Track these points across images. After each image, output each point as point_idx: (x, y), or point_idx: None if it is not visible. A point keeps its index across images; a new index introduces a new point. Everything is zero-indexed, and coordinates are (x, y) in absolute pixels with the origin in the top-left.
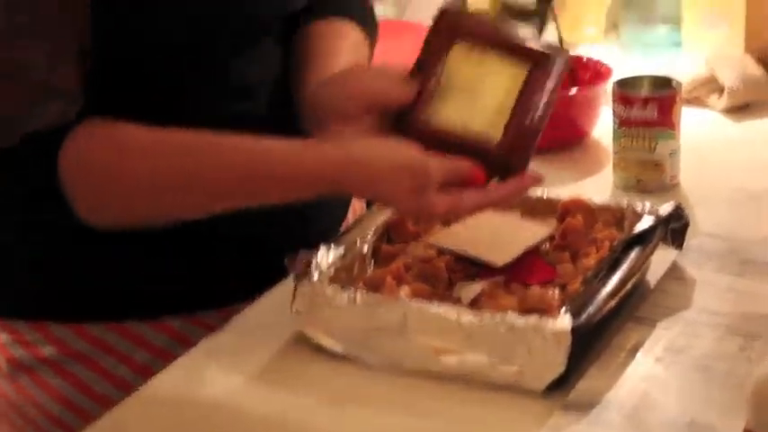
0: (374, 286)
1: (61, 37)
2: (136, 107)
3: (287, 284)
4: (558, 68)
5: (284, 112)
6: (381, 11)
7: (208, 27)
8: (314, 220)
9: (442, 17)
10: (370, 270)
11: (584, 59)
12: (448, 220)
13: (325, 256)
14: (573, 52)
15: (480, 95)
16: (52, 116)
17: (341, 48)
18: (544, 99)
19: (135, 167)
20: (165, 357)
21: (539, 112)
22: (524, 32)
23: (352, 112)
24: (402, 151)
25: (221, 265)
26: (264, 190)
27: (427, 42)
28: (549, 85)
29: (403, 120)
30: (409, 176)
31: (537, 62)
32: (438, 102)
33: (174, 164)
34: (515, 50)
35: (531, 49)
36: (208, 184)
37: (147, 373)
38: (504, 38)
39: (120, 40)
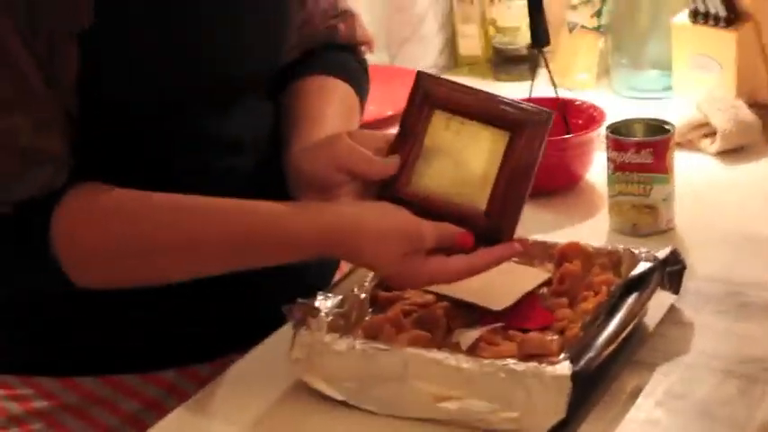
0: (373, 333)
1: (47, 108)
2: (126, 167)
3: (283, 333)
4: (538, 132)
5: (275, 167)
6: (373, 57)
7: (184, 90)
8: (307, 269)
9: (418, 84)
10: (368, 317)
11: (577, 103)
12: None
13: (323, 304)
14: (567, 96)
15: (463, 163)
16: (43, 181)
17: (327, 110)
18: (527, 164)
19: (123, 233)
20: (156, 409)
21: (523, 179)
22: (507, 88)
23: (335, 181)
24: (394, 215)
25: (214, 317)
26: (252, 255)
27: (407, 110)
28: (531, 149)
29: (387, 188)
30: (401, 240)
31: (516, 128)
32: (421, 170)
33: (162, 228)
34: (494, 117)
35: (509, 115)
36: (194, 249)
37: (136, 423)
38: (482, 104)
39: (103, 111)
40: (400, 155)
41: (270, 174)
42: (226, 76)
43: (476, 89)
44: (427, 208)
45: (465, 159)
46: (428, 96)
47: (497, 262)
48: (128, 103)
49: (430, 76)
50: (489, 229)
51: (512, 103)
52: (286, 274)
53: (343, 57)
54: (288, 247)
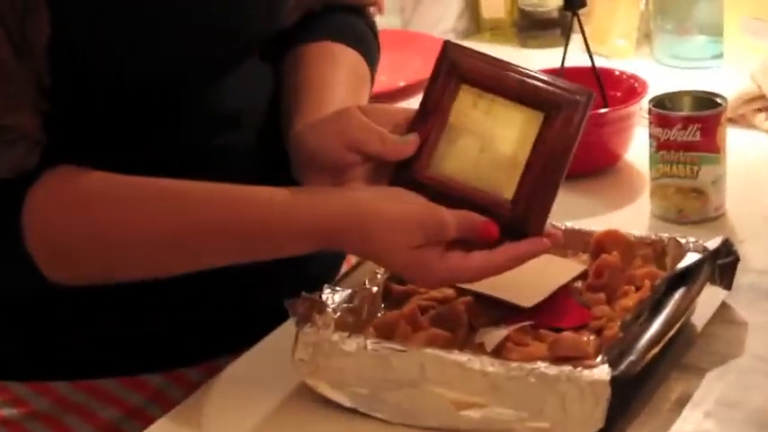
0: (386, 332)
1: (17, 81)
2: (108, 147)
3: (285, 331)
4: (577, 114)
5: (275, 144)
6: (385, 21)
7: (173, 56)
8: (311, 258)
9: (444, 55)
10: (380, 313)
11: (616, 74)
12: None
13: (331, 298)
14: (603, 65)
15: (490, 146)
16: (13, 162)
17: (334, 80)
18: (562, 149)
19: (104, 220)
20: (138, 417)
21: (556, 165)
22: (534, 56)
23: (345, 161)
24: (410, 201)
25: (204, 314)
26: (252, 246)
27: (431, 83)
28: (567, 133)
29: (403, 170)
30: (418, 230)
31: (552, 108)
32: (443, 150)
33: (147, 215)
34: (528, 95)
35: (545, 93)
36: (183, 238)
37: None
38: (516, 80)
39: (81, 80)
40: (420, 133)
41: (273, 150)
42: (223, 38)
43: (509, 63)
44: (447, 194)
45: (493, 141)
46: (455, 69)
47: (523, 259)
48: (107, 71)
49: (459, 46)
50: (515, 219)
51: (549, 81)
52: (287, 264)
53: (350, 20)
54: (293, 236)
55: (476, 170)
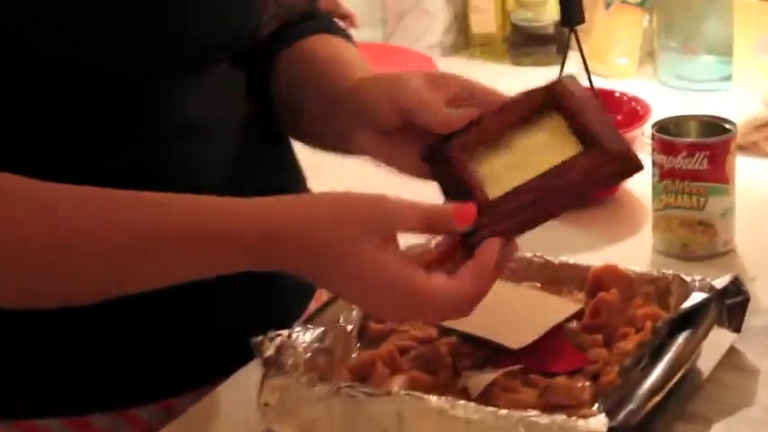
0: (361, 374)
1: None
2: (67, 154)
3: (250, 372)
4: (608, 165)
5: (244, 156)
6: (365, 34)
7: (131, 55)
8: (280, 292)
9: (554, 87)
10: (355, 354)
11: (617, 95)
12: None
13: (301, 337)
14: (603, 85)
15: (523, 167)
16: None
17: (355, 55)
18: (571, 184)
19: (21, 227)
20: None
21: (553, 197)
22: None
23: (390, 122)
24: (354, 195)
25: (159, 350)
26: (152, 259)
27: (523, 96)
28: (587, 174)
29: (440, 142)
30: (365, 221)
31: (592, 144)
32: (482, 151)
33: (61, 221)
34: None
35: (596, 130)
36: (93, 247)
37: None
38: (594, 121)
39: (29, 76)
40: (479, 119)
41: (240, 164)
42: (191, 36)
43: (599, 104)
44: (458, 175)
45: (527, 164)
46: (559, 99)
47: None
48: (57, 64)
49: (569, 84)
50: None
51: (614, 127)
52: (255, 297)
53: (334, 24)
54: (209, 247)
55: (493, 171)
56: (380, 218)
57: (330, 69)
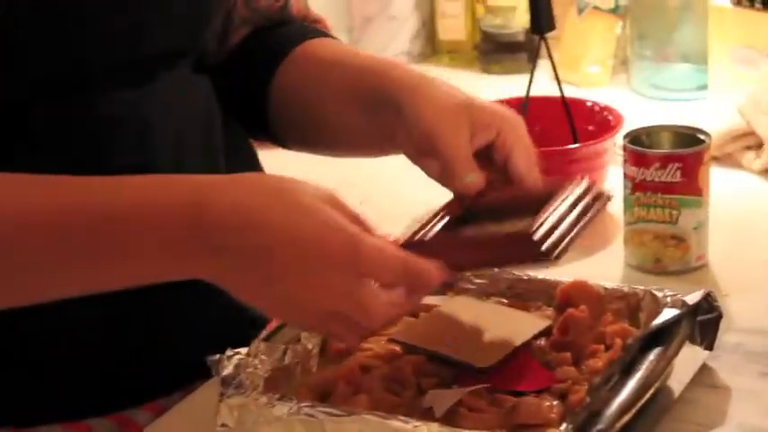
0: (322, 394)
1: None
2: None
3: (206, 392)
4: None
5: (201, 166)
6: None
7: (77, 57)
8: (240, 309)
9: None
10: (316, 372)
11: (588, 105)
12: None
13: (260, 355)
14: (574, 94)
15: None
16: None
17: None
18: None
19: None
20: None
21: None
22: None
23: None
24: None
25: (112, 364)
26: (87, 248)
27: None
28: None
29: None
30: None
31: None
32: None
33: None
34: None
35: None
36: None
37: None
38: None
39: None
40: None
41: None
42: (138, 37)
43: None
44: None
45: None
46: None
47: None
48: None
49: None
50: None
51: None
52: (212, 313)
53: (320, 29)
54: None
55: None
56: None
57: (365, 68)
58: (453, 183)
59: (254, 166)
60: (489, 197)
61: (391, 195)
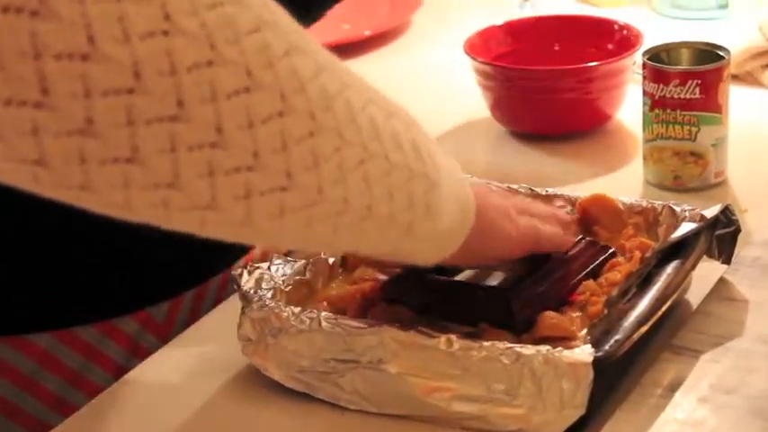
0: (342, 307)
1: None
2: None
3: (229, 306)
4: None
5: None
6: None
7: None
8: None
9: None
10: (336, 284)
11: (607, 23)
12: None
13: (281, 269)
14: (592, 14)
15: None
16: None
17: None
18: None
19: None
20: (29, 388)
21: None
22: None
23: None
24: None
25: (136, 260)
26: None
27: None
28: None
29: None
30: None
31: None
32: None
33: None
34: None
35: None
36: None
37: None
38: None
39: None
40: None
41: None
42: None
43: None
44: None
45: None
46: None
47: None
48: None
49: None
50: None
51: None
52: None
53: None
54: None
55: None
56: None
57: None
58: None
59: None
60: None
61: None
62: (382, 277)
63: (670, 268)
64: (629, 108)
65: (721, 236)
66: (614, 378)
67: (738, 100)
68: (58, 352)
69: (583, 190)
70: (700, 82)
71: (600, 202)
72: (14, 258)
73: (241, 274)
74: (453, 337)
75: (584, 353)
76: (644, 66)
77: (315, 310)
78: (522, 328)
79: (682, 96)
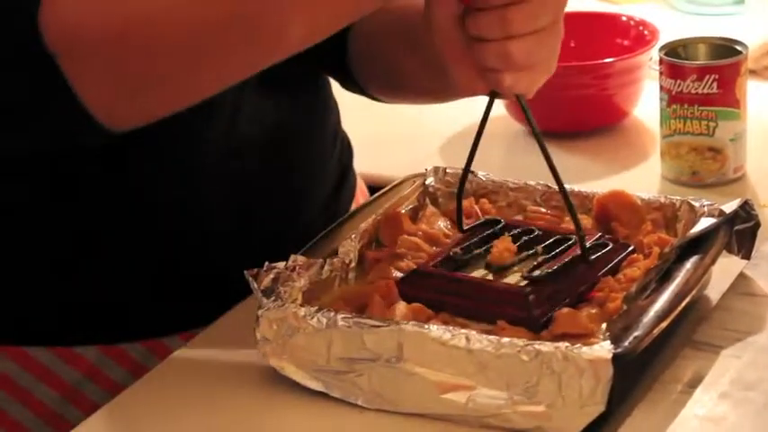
0: (360, 306)
1: None
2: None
3: (246, 306)
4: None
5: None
6: None
7: None
8: (279, 224)
9: None
10: (353, 283)
11: (623, 19)
12: None
13: (298, 269)
14: (608, 10)
15: None
16: None
17: None
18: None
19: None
20: (75, 399)
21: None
22: None
23: None
24: None
25: (152, 286)
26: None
27: None
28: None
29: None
30: None
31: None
32: None
33: None
34: None
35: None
36: None
37: (46, 414)
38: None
39: None
40: None
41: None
42: None
43: None
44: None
45: None
46: None
47: None
48: None
49: None
50: None
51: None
52: (251, 230)
53: None
54: None
55: None
56: None
57: (407, 7)
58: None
59: None
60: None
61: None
62: (399, 275)
63: (689, 264)
64: (646, 104)
65: (740, 231)
66: (634, 374)
67: (756, 95)
68: (104, 365)
69: (600, 186)
70: (717, 77)
71: (618, 198)
72: (67, 271)
73: (258, 274)
74: (471, 334)
75: (603, 349)
76: (661, 61)
77: (332, 310)
78: (540, 326)
79: (699, 92)
